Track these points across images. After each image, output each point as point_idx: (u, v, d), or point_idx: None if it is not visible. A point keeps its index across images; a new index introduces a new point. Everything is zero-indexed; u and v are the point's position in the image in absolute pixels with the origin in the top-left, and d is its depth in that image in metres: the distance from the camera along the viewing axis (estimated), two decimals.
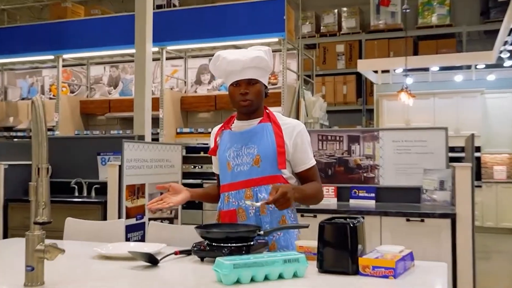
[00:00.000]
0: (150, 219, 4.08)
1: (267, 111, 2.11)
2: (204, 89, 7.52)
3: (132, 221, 3.99)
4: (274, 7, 6.05)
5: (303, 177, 2.06)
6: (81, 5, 7.77)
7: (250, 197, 1.98)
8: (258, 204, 1.90)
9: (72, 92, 8.38)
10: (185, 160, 6.68)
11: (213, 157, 2.18)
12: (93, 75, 8.18)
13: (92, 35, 6.91)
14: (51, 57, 7.29)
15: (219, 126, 2.18)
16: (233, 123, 2.13)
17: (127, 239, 3.87)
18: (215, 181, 2.25)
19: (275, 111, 2.15)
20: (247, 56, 2.00)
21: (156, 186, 2.09)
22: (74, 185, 4.94)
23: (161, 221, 4.19)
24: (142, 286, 1.57)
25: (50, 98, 8.27)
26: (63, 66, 7.52)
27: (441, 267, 1.70)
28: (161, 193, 2.10)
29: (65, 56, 7.28)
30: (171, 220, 4.51)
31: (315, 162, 2.10)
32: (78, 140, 5.66)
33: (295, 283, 1.52)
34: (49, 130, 7.16)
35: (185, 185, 5.15)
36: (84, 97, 8.03)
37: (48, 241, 1.44)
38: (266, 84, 2.09)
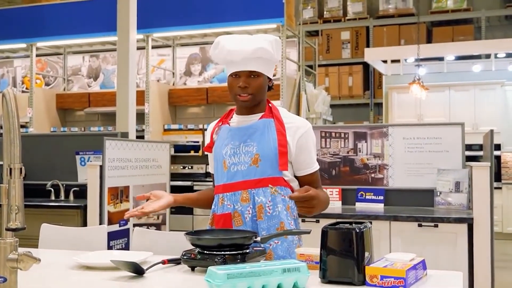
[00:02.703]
0: (134, 225, 4.09)
1: (269, 105, 2.11)
2: (194, 81, 7.52)
3: (115, 227, 3.99)
4: None
5: (304, 182, 2.06)
6: None
7: (247, 200, 1.99)
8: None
9: (47, 84, 8.37)
10: (174, 159, 6.69)
11: (209, 155, 2.18)
12: (71, 65, 8.17)
13: (70, 20, 6.89)
14: (24, 45, 7.27)
15: (217, 121, 2.18)
16: (231, 117, 2.14)
17: (110, 247, 3.88)
18: (207, 183, 2.25)
19: (277, 105, 2.15)
20: (248, 47, 1.98)
21: (136, 197, 2.09)
22: (50, 188, 4.93)
23: (148, 227, 4.20)
24: None
25: (23, 91, 8.25)
26: (37, 55, 7.50)
27: (456, 277, 1.72)
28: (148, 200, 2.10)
29: (39, 44, 7.26)
30: (158, 226, 4.52)
31: (319, 166, 2.12)
32: (54, 138, 5.65)
33: None
34: (22, 127, 7.16)
35: (173, 187, 5.15)
36: (60, 90, 8.01)
37: (21, 250, 1.44)
38: (271, 76, 2.09)
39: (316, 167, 2.09)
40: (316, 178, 2.10)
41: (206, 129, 2.23)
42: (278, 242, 2.00)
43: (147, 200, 2.07)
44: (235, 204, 2.01)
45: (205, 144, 2.18)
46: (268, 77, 2.07)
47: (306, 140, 2.05)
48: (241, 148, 2.02)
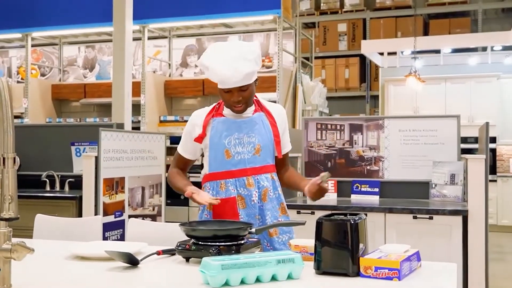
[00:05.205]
0: (130, 216, 4.09)
1: (255, 97, 2.31)
2: (190, 73, 7.50)
3: (110, 218, 3.99)
4: None
5: (282, 159, 2.34)
6: None
7: (252, 185, 2.21)
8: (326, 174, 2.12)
9: (42, 75, 8.32)
10: (169, 151, 6.66)
11: (186, 137, 2.33)
12: (66, 56, 8.12)
13: (65, 11, 6.84)
14: (19, 35, 7.22)
15: (206, 111, 2.32)
16: (223, 109, 2.29)
17: (105, 238, 3.87)
18: (198, 174, 2.34)
19: (267, 97, 2.42)
20: (240, 71, 2.12)
21: (186, 194, 2.20)
22: (45, 179, 4.92)
23: (143, 219, 4.20)
24: None
25: (18, 82, 8.21)
26: (33, 45, 7.45)
27: (450, 268, 1.72)
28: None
29: (35, 34, 7.21)
30: (153, 218, 4.51)
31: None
32: (49, 129, 5.63)
33: (290, 286, 1.53)
34: (17, 117, 7.13)
35: None
36: (56, 80, 7.97)
37: (15, 240, 1.44)
38: (256, 77, 2.25)
39: (290, 145, 2.40)
40: (288, 155, 2.41)
41: None
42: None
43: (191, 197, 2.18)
44: (239, 189, 2.20)
45: (194, 133, 2.29)
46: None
47: (285, 123, 2.37)
48: (244, 139, 2.23)
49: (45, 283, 1.60)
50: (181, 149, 2.38)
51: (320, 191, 2.13)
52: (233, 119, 2.25)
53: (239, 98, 2.18)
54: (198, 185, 2.32)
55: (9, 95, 1.37)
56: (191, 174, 6.43)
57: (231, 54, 2.16)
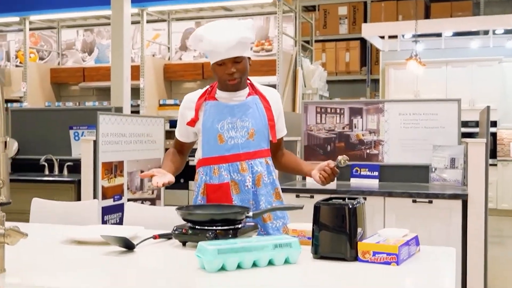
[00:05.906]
0: (129, 200, 4.08)
1: (248, 81, 2.27)
2: (190, 56, 7.44)
3: (109, 202, 3.98)
4: None
5: (277, 144, 2.30)
6: None
7: (246, 170, 2.16)
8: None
9: (41, 59, 8.27)
10: (168, 135, 6.64)
11: (180, 121, 2.32)
12: (65, 40, 8.06)
13: None
14: (17, 19, 7.16)
15: (198, 95, 2.29)
16: (215, 93, 2.25)
17: (104, 222, 3.87)
18: (193, 158, 2.30)
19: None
20: (232, 37, 2.09)
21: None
22: (44, 163, 4.91)
23: (142, 202, 4.19)
24: (115, 273, 1.55)
25: (17, 66, 8.16)
26: (31, 29, 7.39)
27: (449, 253, 1.71)
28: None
29: (33, 18, 7.15)
30: (153, 201, 4.51)
31: None
32: (48, 113, 5.61)
33: (287, 270, 1.52)
34: (16, 101, 7.11)
35: None
36: (55, 64, 7.93)
37: (9, 224, 1.42)
38: (249, 55, 2.22)
39: (285, 130, 2.37)
40: (282, 139, 2.38)
41: None
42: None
43: (151, 177, 2.07)
44: (233, 174, 2.16)
45: (187, 117, 2.26)
46: (248, 57, 2.21)
47: (281, 107, 2.32)
48: (238, 124, 2.17)
49: (40, 268, 1.59)
50: (176, 131, 2.36)
51: (332, 176, 2.15)
52: (225, 103, 2.20)
53: (233, 70, 2.12)
54: (194, 169, 2.29)
55: None
56: (190, 157, 6.45)
57: (224, 26, 2.17)
